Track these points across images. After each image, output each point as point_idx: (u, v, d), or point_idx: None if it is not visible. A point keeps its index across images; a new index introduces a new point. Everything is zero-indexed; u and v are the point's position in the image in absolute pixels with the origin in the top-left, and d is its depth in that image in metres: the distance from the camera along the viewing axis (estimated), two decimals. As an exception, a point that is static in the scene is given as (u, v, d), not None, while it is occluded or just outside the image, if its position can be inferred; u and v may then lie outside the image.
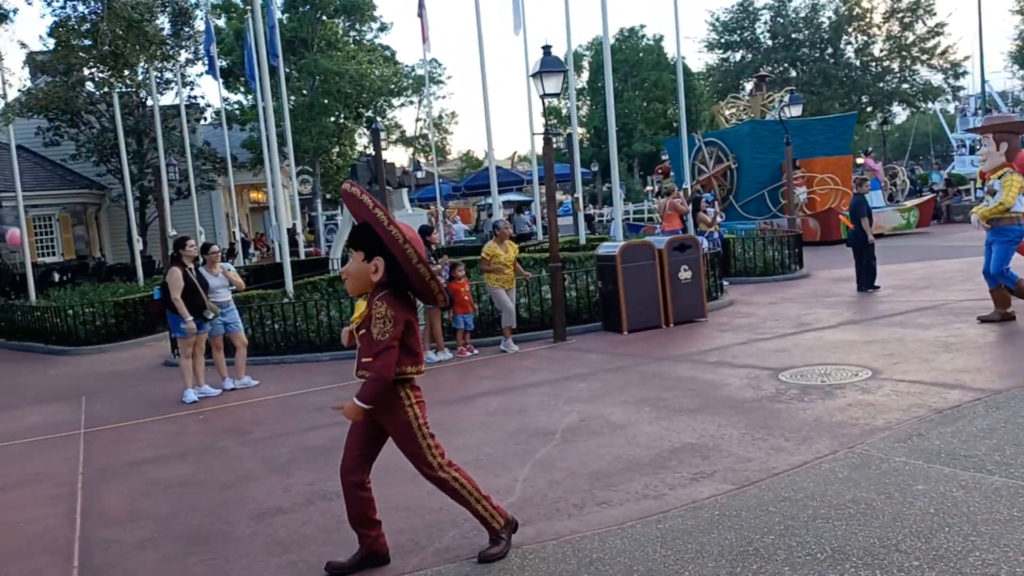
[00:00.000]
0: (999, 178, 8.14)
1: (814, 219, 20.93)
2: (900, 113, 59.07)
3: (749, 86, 40.67)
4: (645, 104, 53.32)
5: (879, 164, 27.10)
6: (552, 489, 4.92)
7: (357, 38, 35.51)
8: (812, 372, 7.21)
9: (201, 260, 9.07)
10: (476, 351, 9.93)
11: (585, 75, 55.69)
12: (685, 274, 10.58)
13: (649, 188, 46.38)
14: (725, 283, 13.22)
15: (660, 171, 15.51)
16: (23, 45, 24.84)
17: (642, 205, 35.06)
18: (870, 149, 35.20)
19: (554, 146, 10.87)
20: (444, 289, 3.91)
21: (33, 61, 26.38)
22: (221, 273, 9.10)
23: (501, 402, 7.33)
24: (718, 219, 15.54)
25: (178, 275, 8.48)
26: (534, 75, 10.29)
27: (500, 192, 15.75)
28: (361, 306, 3.77)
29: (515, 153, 62.28)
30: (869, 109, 52.10)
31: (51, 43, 22.02)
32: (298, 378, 9.50)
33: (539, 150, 23.23)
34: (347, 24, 35.61)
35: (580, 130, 46.04)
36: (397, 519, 4.63)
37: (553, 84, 10.25)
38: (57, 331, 14.30)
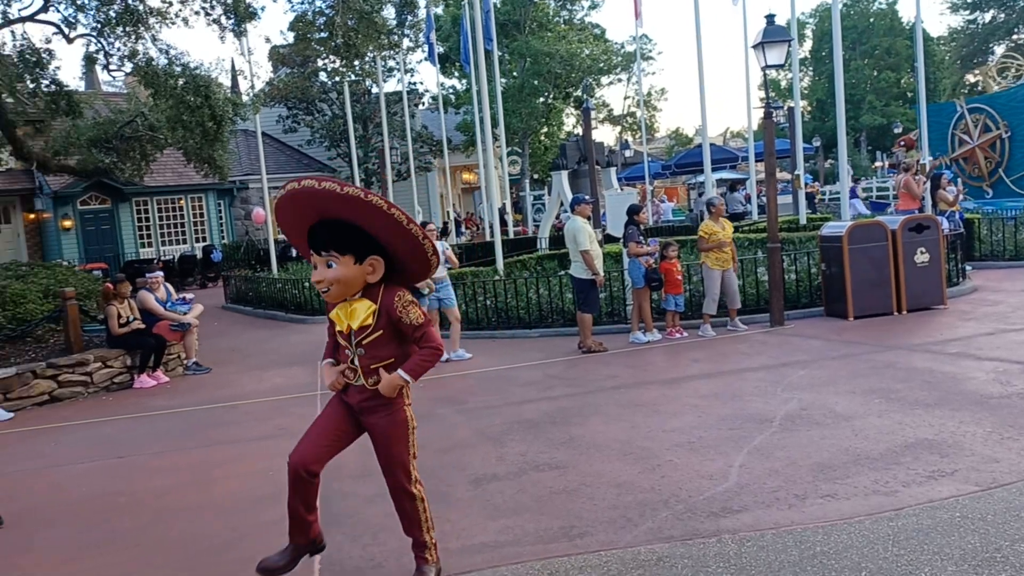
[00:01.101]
0: None
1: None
2: None
3: (999, 50, 36.40)
4: (875, 73, 49.43)
5: None
6: (771, 478, 4.71)
7: (568, 17, 35.71)
8: (1076, 369, 6.37)
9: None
10: (685, 333, 9.72)
11: (808, 44, 52.52)
12: (922, 257, 9.71)
13: (878, 164, 42.99)
14: (968, 268, 12.03)
15: (903, 143, 14.27)
16: (268, 40, 27.36)
17: (870, 183, 32.59)
18: None
19: (774, 121, 10.32)
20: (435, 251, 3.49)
21: (276, 54, 29.00)
22: (439, 251, 9.52)
23: (714, 386, 7.12)
24: (959, 198, 14.11)
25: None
26: (755, 46, 9.81)
27: (712, 170, 15.23)
28: (352, 309, 3.42)
29: (727, 129, 60.11)
30: None
31: (291, 37, 24.14)
32: (509, 353, 9.78)
33: (756, 125, 22.27)
34: (558, 4, 35.90)
35: (802, 103, 43.48)
36: (609, 495, 4.64)
37: (776, 55, 9.71)
38: (296, 301, 15.68)
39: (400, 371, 3.43)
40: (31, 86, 15.13)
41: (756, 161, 21.88)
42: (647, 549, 3.87)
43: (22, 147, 16.30)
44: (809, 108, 50.79)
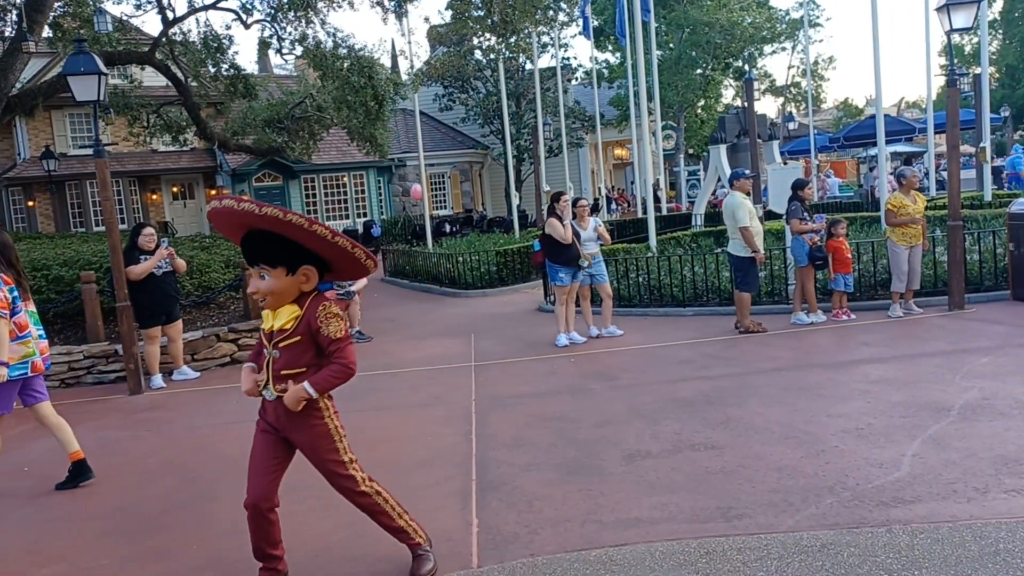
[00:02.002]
0: None
1: None
2: None
3: None
4: (1079, 35, 44.53)
5: None
6: (947, 469, 4.41)
7: (729, -16, 34.32)
8: None
9: (572, 213, 9.53)
10: (854, 315, 9.21)
11: (997, 5, 47.98)
12: None
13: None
14: None
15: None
16: (427, 20, 28.07)
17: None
18: None
19: (958, 90, 9.52)
20: (369, 253, 3.41)
21: (434, 34, 29.75)
22: (591, 226, 9.48)
23: (885, 371, 6.72)
24: None
25: (557, 223, 9.02)
26: (940, 8, 9.04)
27: (886, 143, 14.22)
28: (279, 311, 3.37)
29: (902, 99, 56.14)
30: None
31: (448, 16, 24.67)
32: (661, 330, 9.64)
33: (936, 94, 20.64)
34: (718, -28, 34.58)
35: (989, 69, 39.86)
36: (769, 478, 4.50)
37: (963, 17, 8.91)
38: (449, 275, 16.14)
39: (305, 383, 3.37)
40: (212, 70, 16.32)
41: (935, 133, 20.33)
42: (810, 535, 3.73)
43: (205, 127, 17.65)
44: (997, 75, 46.48)
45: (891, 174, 12.24)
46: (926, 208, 9.64)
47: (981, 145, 15.81)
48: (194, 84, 17.02)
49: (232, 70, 16.43)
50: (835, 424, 5.37)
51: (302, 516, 4.52)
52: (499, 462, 5.20)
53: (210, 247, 11.79)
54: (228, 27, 57.19)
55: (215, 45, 15.76)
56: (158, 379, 8.68)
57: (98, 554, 4.23)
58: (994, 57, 46.72)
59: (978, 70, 20.22)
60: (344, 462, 3.56)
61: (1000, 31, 47.79)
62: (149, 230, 8.83)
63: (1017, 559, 3.31)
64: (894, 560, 3.42)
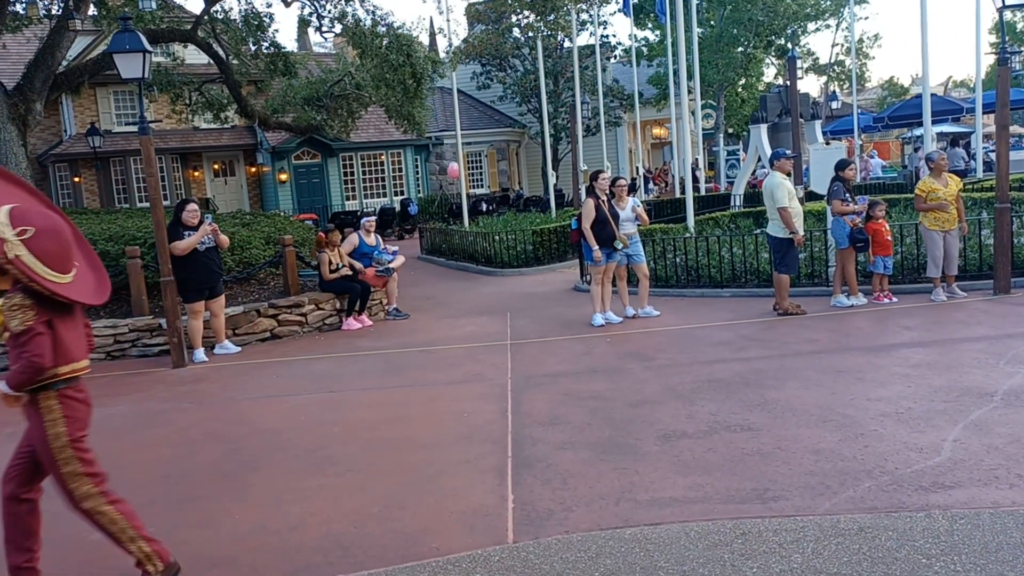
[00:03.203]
0: None
1: None
2: None
3: None
4: None
5: None
6: (989, 455, 4.35)
7: (772, -39, 33.65)
8: None
9: (610, 193, 9.49)
10: (895, 299, 9.07)
11: (1051, -20, 46.38)
12: None
13: None
14: None
15: None
16: (466, -3, 27.98)
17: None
18: None
19: (1010, 68, 9.26)
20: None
21: (472, 11, 29.62)
22: (629, 207, 9.43)
23: (926, 355, 6.63)
24: None
25: (591, 206, 8.99)
26: (991, -18, 8.80)
27: (932, 123, 13.91)
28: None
29: (949, 78, 54.68)
30: None
31: (488, -6, 24.54)
32: (698, 312, 9.59)
33: (985, 73, 20.09)
34: (762, -53, 33.90)
35: (1039, 48, 38.72)
36: (806, 460, 4.48)
37: (1016, -9, 8.67)
38: (485, 254, 16.18)
39: (2, 382, 3.26)
40: (253, 48, 16.44)
41: (984, 113, 19.80)
42: (847, 518, 3.72)
43: (246, 105, 17.82)
44: (1050, 52, 45.01)
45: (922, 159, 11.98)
46: (972, 190, 9.42)
47: (1032, 125, 15.37)
48: (235, 62, 17.18)
49: (272, 48, 16.54)
50: (874, 408, 5.32)
51: (339, 489, 4.61)
52: (535, 439, 5.24)
53: (250, 223, 11.94)
54: (269, 5, 57.29)
55: (256, 23, 15.86)
56: (200, 353, 8.85)
57: (145, 522, 4.35)
58: (1048, 34, 45.23)
59: (1031, 48, 19.60)
60: (63, 473, 3.33)
61: (1055, 7, 46.24)
62: (193, 206, 8.98)
63: (1059, 547, 3.27)
64: (933, 545, 3.40)
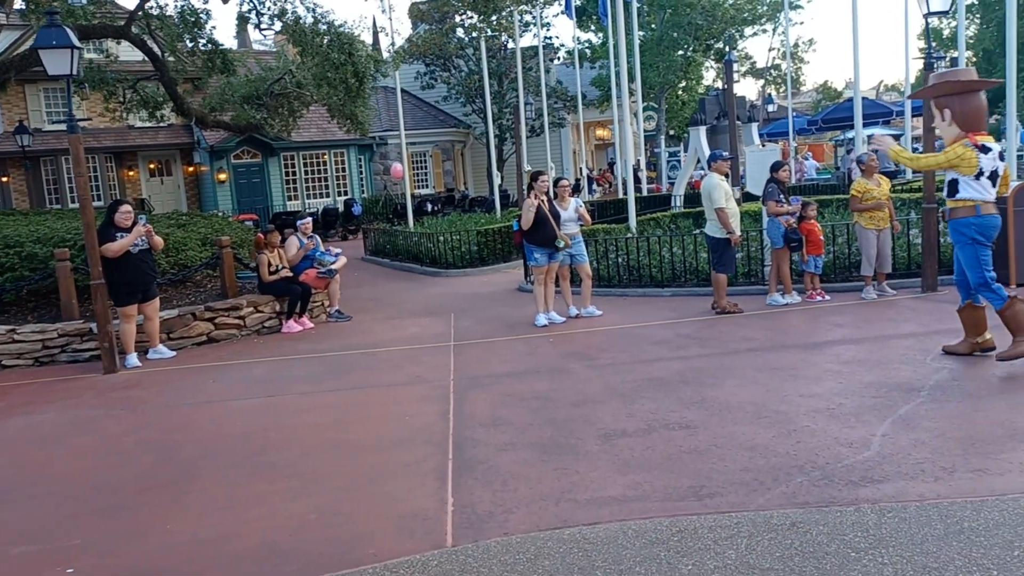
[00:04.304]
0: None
1: None
2: None
3: None
4: (1052, 19, 44.86)
5: None
6: (916, 449, 4.49)
7: (711, -34, 34.25)
8: None
9: (552, 193, 9.55)
10: (827, 297, 9.31)
11: (975, -11, 48.21)
12: (1097, 221, 8.85)
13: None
14: None
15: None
16: (409, -4, 27.77)
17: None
18: None
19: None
20: None
21: (415, 11, 29.45)
22: (572, 207, 9.49)
23: (857, 352, 6.82)
24: None
25: (531, 207, 9.02)
26: (917, -10, 9.10)
27: (864, 125, 14.34)
28: None
29: (881, 82, 56.32)
30: None
31: (430, -7, 24.42)
32: (640, 311, 9.70)
33: (914, 78, 20.76)
34: (701, -48, 34.45)
35: (967, 53, 40.10)
36: (741, 457, 4.57)
37: (940, 1, 8.98)
38: (430, 255, 16.12)
39: None
40: (190, 45, 16.07)
41: (913, 116, 20.46)
42: (780, 513, 3.80)
43: (182, 103, 17.41)
44: (975, 59, 46.76)
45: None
46: (902, 191, 9.73)
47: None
48: (171, 59, 16.77)
49: (210, 45, 16.19)
50: (807, 404, 5.45)
51: (277, 496, 4.53)
52: (476, 441, 5.23)
53: (187, 224, 11.68)
54: (206, 1, 56.36)
55: (192, 19, 15.51)
56: (133, 358, 8.62)
57: (71, 534, 4.22)
58: (971, 41, 46.91)
59: (956, 54, 20.33)
60: None
61: (978, 15, 48.03)
62: (126, 207, 8.74)
63: (981, 537, 3.38)
64: (862, 539, 3.49)
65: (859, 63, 11.96)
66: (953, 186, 5.99)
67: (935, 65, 9.40)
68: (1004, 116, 15.39)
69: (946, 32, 44.22)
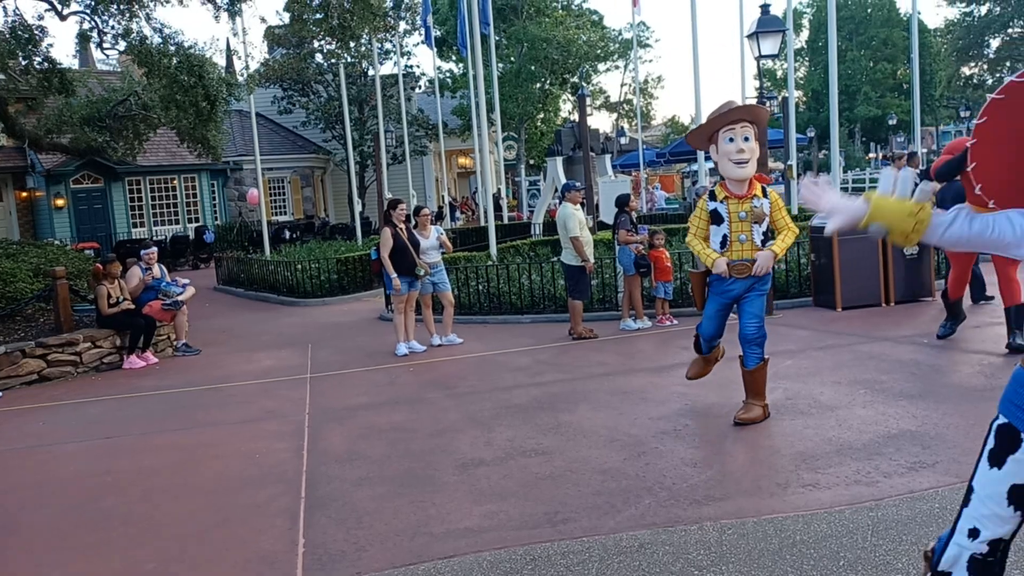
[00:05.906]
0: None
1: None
2: None
3: (995, 43, 36.28)
4: (871, 64, 49.41)
5: None
6: (754, 466, 4.75)
7: (566, 3, 35.51)
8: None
9: (413, 222, 9.54)
10: (676, 321, 9.75)
11: (804, 34, 52.45)
12: (911, 249, 9.74)
13: (872, 155, 43.10)
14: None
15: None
16: (263, 20, 27.11)
17: (863, 174, 32.65)
18: None
19: (768, 110, 10.30)
20: None
21: (271, 35, 28.80)
22: (433, 235, 9.51)
23: (701, 374, 7.14)
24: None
25: (388, 235, 8.96)
26: (750, 36, 9.79)
27: (706, 158, 15.22)
28: None
29: (723, 118, 59.91)
30: None
31: (287, 17, 23.98)
32: (500, 338, 9.80)
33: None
34: (556, -10, 35.66)
35: (797, 93, 43.40)
36: (594, 481, 4.67)
37: (771, 45, 9.71)
38: (288, 284, 15.67)
39: None
40: (23, 63, 15.01)
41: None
42: (629, 535, 3.90)
43: (14, 124, 16.23)
44: (804, 99, 50.75)
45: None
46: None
47: (788, 163, 17.16)
48: (1, 77, 15.60)
49: (46, 63, 15.19)
50: (656, 426, 5.66)
51: (111, 546, 4.23)
52: (330, 477, 5.09)
53: (16, 254, 10.83)
54: (41, 17, 52.84)
55: (26, 36, 14.52)
56: (-49, 400, 7.87)
57: None
58: (801, 82, 50.94)
59: (787, 94, 21.99)
60: None
61: (807, 59, 52.17)
62: (-59, 236, 8.01)
63: (811, 550, 3.60)
64: (704, 556, 3.64)
65: (700, 101, 12.72)
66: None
67: (767, 103, 10.11)
68: (830, 151, 16.76)
69: (779, 73, 47.72)
